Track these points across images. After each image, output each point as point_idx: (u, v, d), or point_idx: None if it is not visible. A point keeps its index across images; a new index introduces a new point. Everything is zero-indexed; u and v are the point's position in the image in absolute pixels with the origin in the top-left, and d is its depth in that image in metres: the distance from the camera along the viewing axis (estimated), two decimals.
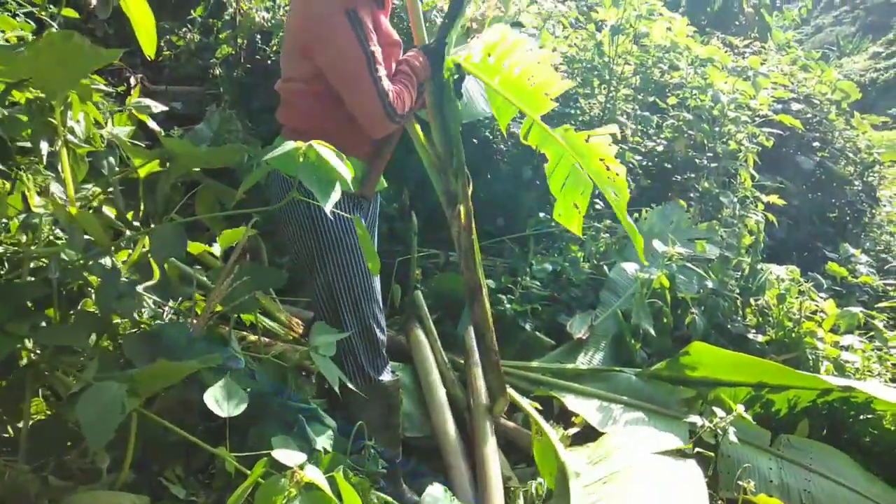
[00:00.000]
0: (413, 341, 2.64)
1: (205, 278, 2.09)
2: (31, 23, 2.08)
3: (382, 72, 1.74)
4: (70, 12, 1.64)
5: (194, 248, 2.01)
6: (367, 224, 2.02)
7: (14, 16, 2.31)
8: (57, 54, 1.24)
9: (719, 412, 2.08)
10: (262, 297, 2.35)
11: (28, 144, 1.47)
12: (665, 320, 2.75)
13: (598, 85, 3.80)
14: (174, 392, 1.57)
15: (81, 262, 1.42)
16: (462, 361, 2.55)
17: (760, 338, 2.96)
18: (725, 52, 4.28)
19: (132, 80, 3.74)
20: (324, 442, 1.48)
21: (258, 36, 3.63)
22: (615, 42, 3.64)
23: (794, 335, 2.92)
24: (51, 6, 2.00)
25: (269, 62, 3.59)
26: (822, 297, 3.23)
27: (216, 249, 2.14)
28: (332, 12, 1.67)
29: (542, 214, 3.32)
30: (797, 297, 3.06)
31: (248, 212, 1.48)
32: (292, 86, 1.83)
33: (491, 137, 3.49)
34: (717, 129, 3.78)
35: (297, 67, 1.79)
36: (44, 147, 1.41)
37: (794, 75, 5.24)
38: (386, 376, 1.98)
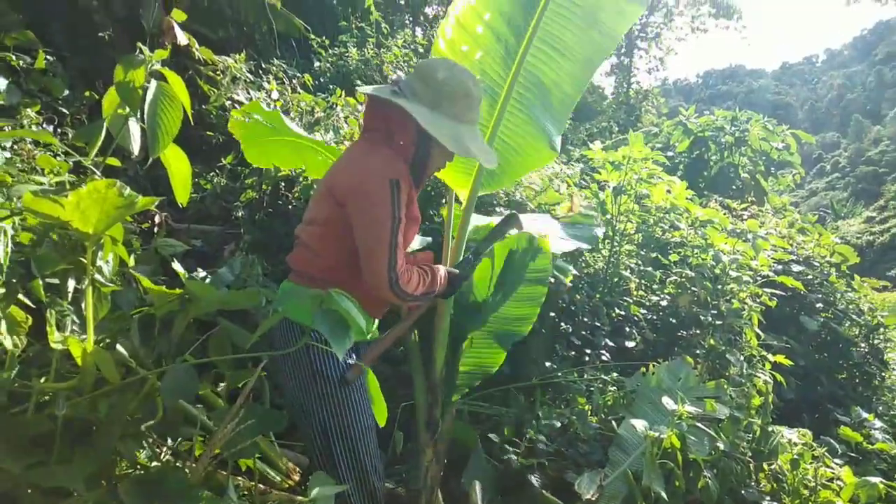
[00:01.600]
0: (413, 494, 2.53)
1: (206, 419, 2.06)
2: (69, 162, 2.24)
3: (400, 245, 1.82)
4: (113, 161, 1.77)
5: (201, 388, 2.00)
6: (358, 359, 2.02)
7: (55, 155, 2.49)
8: (98, 199, 1.33)
9: None
10: (262, 441, 2.30)
11: (55, 280, 1.53)
12: (677, 483, 2.64)
13: (602, 240, 3.95)
14: None
15: (89, 398, 1.41)
16: None
17: None
18: (724, 213, 4.48)
19: (157, 219, 3.92)
20: None
21: (282, 183, 3.84)
22: (617, 201, 3.83)
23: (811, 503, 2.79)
24: (93, 157, 2.17)
25: (289, 208, 3.77)
26: (837, 464, 3.12)
27: (220, 388, 2.14)
28: (382, 175, 1.79)
29: (547, 364, 3.31)
30: (811, 463, 2.96)
31: (259, 355, 1.50)
32: (313, 229, 1.91)
33: None
34: (719, 286, 3.86)
35: (325, 210, 1.87)
36: (70, 285, 1.46)
37: (792, 238, 5.43)
38: None
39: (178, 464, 1.69)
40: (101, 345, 1.46)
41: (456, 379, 2.54)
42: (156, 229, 3.82)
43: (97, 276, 1.44)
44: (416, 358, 2.41)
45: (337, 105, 4.09)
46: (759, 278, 4.10)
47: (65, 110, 3.95)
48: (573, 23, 2.33)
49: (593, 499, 2.63)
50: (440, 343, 2.38)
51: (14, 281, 1.42)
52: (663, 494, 2.53)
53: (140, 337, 1.64)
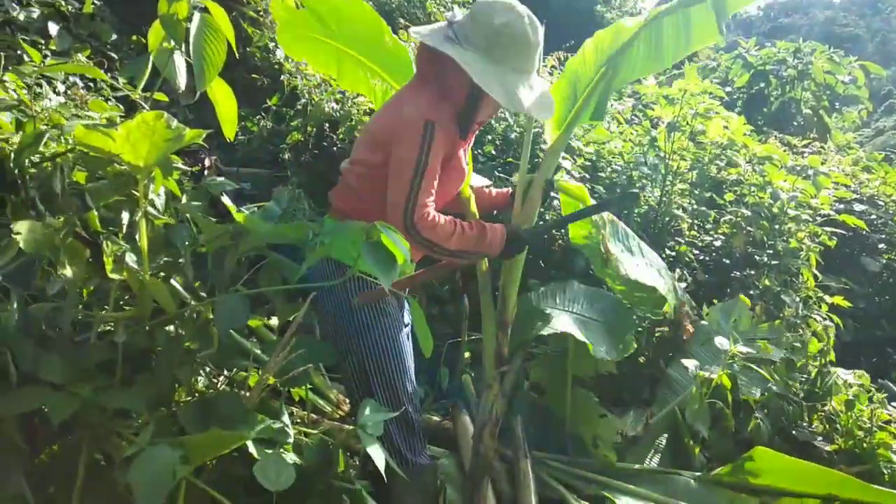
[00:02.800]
0: (459, 428, 2.58)
1: (259, 352, 2.13)
2: (121, 106, 2.28)
3: (426, 188, 1.77)
4: (161, 96, 1.79)
5: (252, 321, 2.06)
6: (397, 309, 2.04)
7: (107, 100, 2.53)
8: (147, 132, 1.35)
9: None
10: (313, 373, 2.37)
11: (109, 214, 1.58)
12: (726, 423, 2.62)
13: (654, 180, 3.83)
14: (220, 464, 1.57)
15: (148, 327, 1.47)
16: (510, 453, 2.46)
17: (828, 446, 2.78)
18: (784, 151, 4.27)
19: (206, 161, 3.98)
20: None
21: (326, 125, 3.84)
22: (671, 138, 3.69)
23: (865, 446, 2.73)
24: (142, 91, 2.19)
25: (334, 149, 3.77)
26: (894, 407, 3.03)
27: (273, 322, 2.20)
28: (415, 117, 1.76)
29: None
30: (868, 405, 2.89)
31: (308, 287, 1.52)
32: (357, 169, 1.91)
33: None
34: (776, 226, 3.72)
35: (368, 153, 1.87)
36: (124, 217, 1.50)
37: (856, 176, 5.16)
38: (423, 459, 1.94)
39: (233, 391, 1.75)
40: (156, 276, 1.50)
41: (532, 322, 2.53)
42: (206, 172, 3.89)
43: (150, 209, 1.47)
44: (487, 293, 2.39)
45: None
46: (818, 217, 3.93)
47: (113, 55, 4.01)
48: None
49: (639, 435, 2.64)
50: (514, 282, 2.36)
51: (71, 213, 1.46)
52: (705, 433, 2.52)
53: (193, 271, 1.68)
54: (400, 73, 2.42)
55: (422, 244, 1.80)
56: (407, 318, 2.15)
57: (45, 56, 1.92)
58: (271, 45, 4.70)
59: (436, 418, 2.71)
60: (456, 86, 1.86)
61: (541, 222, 2.37)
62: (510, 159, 3.47)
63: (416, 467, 1.90)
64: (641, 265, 2.52)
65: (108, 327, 1.60)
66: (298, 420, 2.00)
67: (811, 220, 3.80)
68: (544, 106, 1.88)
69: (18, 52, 2.63)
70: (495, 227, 1.96)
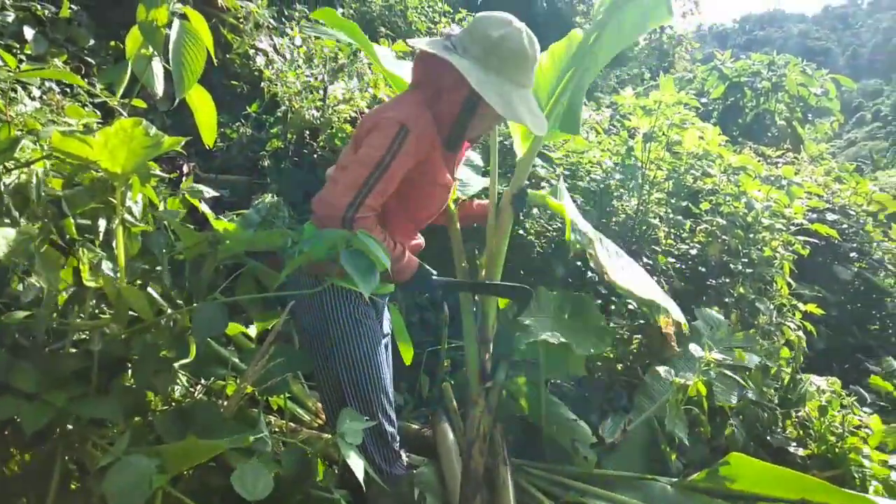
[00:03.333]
0: (439, 436, 2.58)
1: (236, 360, 2.12)
2: (97, 112, 2.26)
3: (379, 191, 1.73)
4: (139, 102, 1.78)
5: (231, 328, 2.04)
6: (373, 320, 2.03)
7: (83, 106, 2.51)
8: (125, 139, 1.34)
9: None
10: (292, 382, 2.36)
11: (86, 221, 1.56)
12: (702, 429, 2.65)
13: (630, 189, 3.88)
14: (197, 474, 1.56)
15: (124, 336, 1.46)
16: (490, 459, 2.47)
17: (802, 451, 2.83)
18: (758, 161, 4.35)
19: (185, 168, 3.95)
20: None
21: (307, 132, 3.83)
22: (647, 148, 3.74)
23: (837, 451, 2.79)
24: (120, 98, 2.18)
25: (315, 156, 3.77)
26: (865, 412, 3.10)
27: (251, 331, 2.18)
28: (392, 119, 1.74)
29: None
30: (840, 411, 2.95)
31: (286, 294, 1.52)
32: (335, 173, 1.91)
33: (523, 233, 3.55)
34: (751, 235, 3.79)
35: (345, 154, 1.88)
36: (101, 224, 1.49)
37: (828, 186, 5.28)
38: (398, 469, 1.94)
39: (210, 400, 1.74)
40: (133, 284, 1.49)
41: (511, 336, 2.55)
42: (184, 178, 3.86)
43: (127, 217, 1.46)
44: (468, 311, 2.40)
45: (360, 52, 4.02)
46: (792, 226, 4.01)
47: (91, 60, 3.97)
48: None
49: (616, 442, 2.66)
50: (493, 299, 2.39)
51: (46, 220, 1.44)
52: (684, 439, 2.55)
53: (170, 279, 1.67)
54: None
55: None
56: (386, 328, 2.15)
57: (21, 61, 1.90)
58: (251, 51, 4.69)
59: (415, 426, 2.71)
60: (450, 96, 1.86)
61: (453, 278, 2.34)
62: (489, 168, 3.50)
63: (392, 477, 1.90)
64: (636, 278, 2.52)
65: (84, 335, 1.58)
66: (276, 429, 1.99)
67: (785, 229, 3.88)
68: (541, 119, 1.87)
69: None
70: (413, 259, 1.93)
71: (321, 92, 4.02)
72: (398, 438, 2.02)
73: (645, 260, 3.63)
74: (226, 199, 3.94)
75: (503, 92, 1.79)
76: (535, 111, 1.86)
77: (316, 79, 4.08)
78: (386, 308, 2.13)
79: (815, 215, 4.63)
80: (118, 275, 1.44)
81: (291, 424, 2.22)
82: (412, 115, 1.79)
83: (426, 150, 1.82)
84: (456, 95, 1.87)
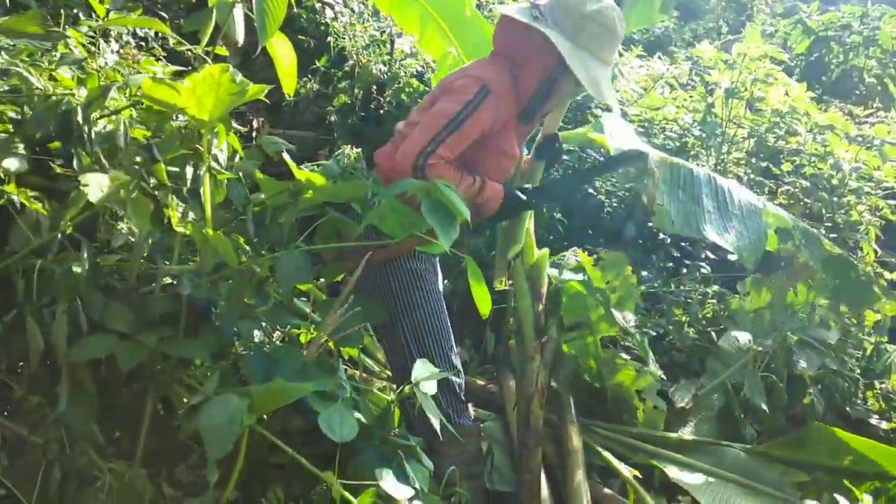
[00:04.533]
0: (506, 393, 2.59)
1: (308, 311, 2.16)
2: (169, 65, 2.29)
3: (450, 145, 1.72)
4: (221, 50, 1.78)
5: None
6: (433, 275, 2.04)
7: (157, 59, 2.55)
8: (213, 86, 1.35)
9: (842, 500, 1.90)
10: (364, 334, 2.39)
11: (174, 168, 1.59)
12: (778, 397, 2.56)
13: (709, 147, 3.71)
14: (278, 417, 1.61)
15: (210, 281, 1.49)
16: (555, 417, 2.46)
17: (885, 424, 2.70)
18: (846, 120, 4.09)
19: (254, 122, 4.01)
20: (422, 482, 1.45)
21: (374, 87, 3.81)
22: (728, 105, 3.56)
23: None
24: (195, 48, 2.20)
25: (381, 112, 3.75)
26: None
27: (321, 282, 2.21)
28: (474, 77, 1.75)
29: (643, 273, 3.22)
30: None
31: (366, 244, 1.52)
32: (405, 129, 1.89)
33: (593, 192, 3.46)
34: (835, 199, 3.58)
35: (421, 112, 1.85)
36: (188, 171, 1.51)
37: None
38: (466, 420, 1.96)
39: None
40: (218, 231, 1.51)
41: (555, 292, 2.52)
42: (254, 133, 3.91)
43: (213, 164, 1.48)
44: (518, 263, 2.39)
45: None
46: (879, 190, 3.77)
47: (164, 14, 4.03)
48: None
49: (687, 407, 2.61)
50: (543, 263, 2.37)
51: (137, 167, 1.48)
52: (764, 406, 2.47)
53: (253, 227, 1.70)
54: (471, 45, 2.40)
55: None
56: (440, 284, 2.15)
57: (107, 13, 1.94)
58: (318, 5, 4.66)
59: (481, 382, 2.72)
60: (533, 67, 1.83)
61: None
62: None
63: (459, 428, 1.91)
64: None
65: (172, 280, 1.63)
66: (351, 378, 2.02)
67: (873, 192, 3.65)
68: (616, 99, 1.87)
69: (74, 10, 2.66)
70: (495, 185, 1.89)
71: (388, 46, 3.98)
72: (464, 390, 2.03)
73: None
74: (293, 155, 4.00)
75: (589, 68, 1.76)
76: (613, 91, 1.86)
77: (383, 32, 4.04)
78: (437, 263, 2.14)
79: None
80: (205, 221, 1.46)
81: (364, 375, 2.26)
82: (496, 77, 1.78)
83: (503, 116, 1.80)
84: (538, 67, 1.84)
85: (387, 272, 1.88)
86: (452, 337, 2.03)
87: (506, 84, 1.80)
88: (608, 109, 3.47)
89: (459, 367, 2.01)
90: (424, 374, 1.52)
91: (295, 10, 4.72)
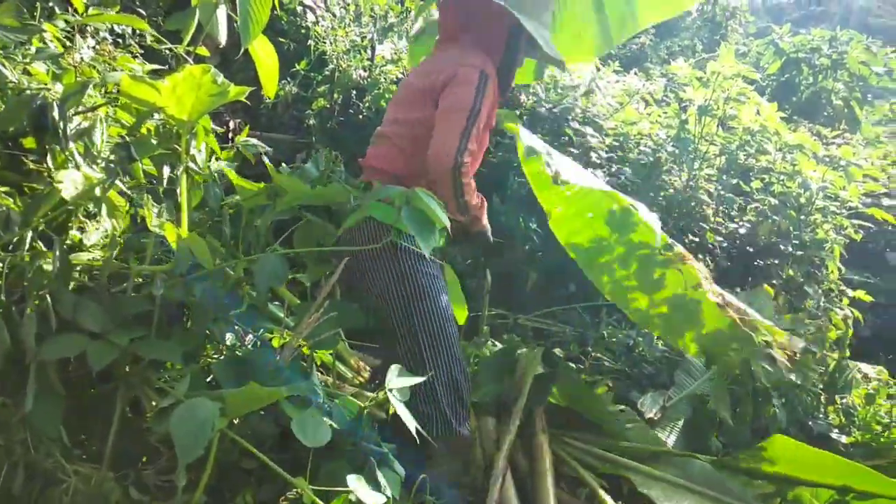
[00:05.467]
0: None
1: (281, 315, 2.14)
2: (146, 63, 2.27)
3: (474, 136, 1.80)
4: (203, 51, 1.77)
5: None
6: (443, 282, 2.04)
7: (134, 57, 2.52)
8: (193, 86, 1.34)
9: None
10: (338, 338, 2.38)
11: (149, 168, 1.58)
12: (744, 410, 2.62)
13: (680, 163, 3.78)
14: (248, 421, 1.59)
15: (184, 282, 1.48)
16: (528, 428, 2.48)
17: (845, 439, 2.77)
18: (814, 140, 4.20)
19: (231, 125, 3.97)
20: (393, 489, 1.45)
21: (353, 92, 3.81)
22: (701, 122, 3.63)
23: (882, 440, 2.73)
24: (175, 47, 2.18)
25: (360, 117, 3.75)
26: None
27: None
28: (473, 65, 1.81)
29: None
30: (887, 400, 2.88)
31: (344, 249, 1.52)
32: (404, 129, 1.91)
33: None
34: (803, 216, 3.68)
35: (418, 111, 1.87)
36: (165, 171, 1.50)
37: (884, 170, 5.08)
38: (465, 430, 1.95)
39: None
40: (195, 231, 1.50)
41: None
42: (230, 135, 3.88)
43: (191, 164, 1.47)
44: None
45: (412, 10, 3.96)
46: (845, 210, 3.88)
47: (142, 11, 3.99)
48: None
49: (655, 418, 2.65)
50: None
51: (113, 166, 1.46)
52: (729, 419, 2.52)
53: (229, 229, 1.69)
54: None
55: (456, 189, 1.80)
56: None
57: (87, 7, 1.91)
58: (299, 8, 4.65)
59: None
60: (497, 35, 1.92)
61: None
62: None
63: (459, 437, 1.90)
64: (587, 179, 2.46)
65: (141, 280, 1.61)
66: (323, 384, 2.01)
67: (839, 211, 3.76)
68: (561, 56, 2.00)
69: (50, 3, 2.62)
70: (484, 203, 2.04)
71: (368, 51, 3.98)
72: (469, 398, 2.04)
73: (691, 237, 3.56)
74: (270, 158, 3.97)
75: (539, 32, 1.89)
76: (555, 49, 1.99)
77: (364, 38, 4.04)
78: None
79: (869, 199, 4.47)
80: (180, 222, 1.45)
81: (336, 381, 2.24)
82: (486, 61, 1.86)
83: (496, 94, 1.89)
84: (500, 34, 1.93)
85: (403, 275, 1.86)
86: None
87: (491, 65, 1.88)
88: (585, 123, 3.53)
89: (468, 374, 2.02)
90: (399, 380, 1.53)
91: (277, 12, 4.71)
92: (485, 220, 2.03)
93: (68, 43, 1.97)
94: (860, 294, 3.67)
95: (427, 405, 1.83)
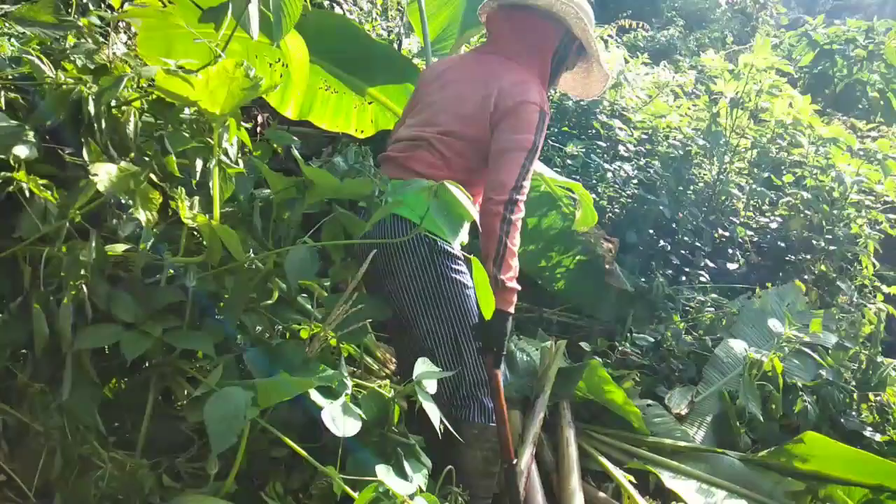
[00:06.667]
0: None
1: (310, 307, 2.16)
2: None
3: (530, 174, 1.80)
4: (234, 45, 1.79)
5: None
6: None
7: None
8: (226, 80, 1.36)
9: None
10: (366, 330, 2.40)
11: (183, 161, 1.60)
12: (773, 406, 2.58)
13: (711, 157, 3.73)
14: (278, 411, 1.61)
15: (216, 274, 1.50)
16: (554, 422, 2.47)
17: (878, 437, 2.72)
18: (849, 133, 4.11)
19: (259, 119, 4.01)
20: (420, 480, 1.46)
21: None
22: (732, 115, 3.58)
23: None
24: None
25: None
26: None
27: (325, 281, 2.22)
28: (535, 103, 1.79)
29: (642, 280, 3.23)
30: None
31: (371, 241, 1.53)
32: (454, 142, 1.85)
33: (596, 198, 3.47)
34: (836, 211, 3.60)
35: (466, 126, 1.84)
36: (198, 164, 1.52)
37: None
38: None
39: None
40: (226, 224, 1.52)
41: None
42: (258, 128, 3.91)
43: (223, 158, 1.49)
44: None
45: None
46: (880, 204, 3.79)
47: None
48: None
49: (683, 413, 2.62)
50: None
51: (147, 158, 1.48)
52: (759, 415, 2.49)
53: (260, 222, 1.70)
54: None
55: (506, 228, 1.75)
56: None
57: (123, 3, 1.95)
58: (327, 3, 4.67)
59: None
60: (545, 56, 1.91)
61: None
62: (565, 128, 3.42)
63: (491, 430, 1.90)
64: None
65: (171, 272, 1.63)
66: (351, 374, 2.03)
67: (873, 206, 3.68)
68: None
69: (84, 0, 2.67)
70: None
71: (395, 45, 3.98)
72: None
73: (721, 231, 3.51)
74: (299, 151, 4.00)
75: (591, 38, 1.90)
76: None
77: (391, 32, 4.04)
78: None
79: None
80: (213, 214, 1.47)
81: (363, 372, 2.26)
82: (543, 95, 1.85)
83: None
84: (549, 54, 1.92)
85: (440, 275, 1.84)
86: None
87: (545, 94, 1.87)
88: (613, 116, 3.49)
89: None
90: (425, 374, 1.53)
91: (308, 7, 4.73)
92: (513, 301, 1.84)
93: (102, 39, 2.00)
94: (895, 290, 3.59)
95: (469, 399, 1.84)
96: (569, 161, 3.11)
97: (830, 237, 3.55)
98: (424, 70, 2.19)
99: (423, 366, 1.58)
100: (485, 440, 1.85)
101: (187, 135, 1.47)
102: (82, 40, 1.93)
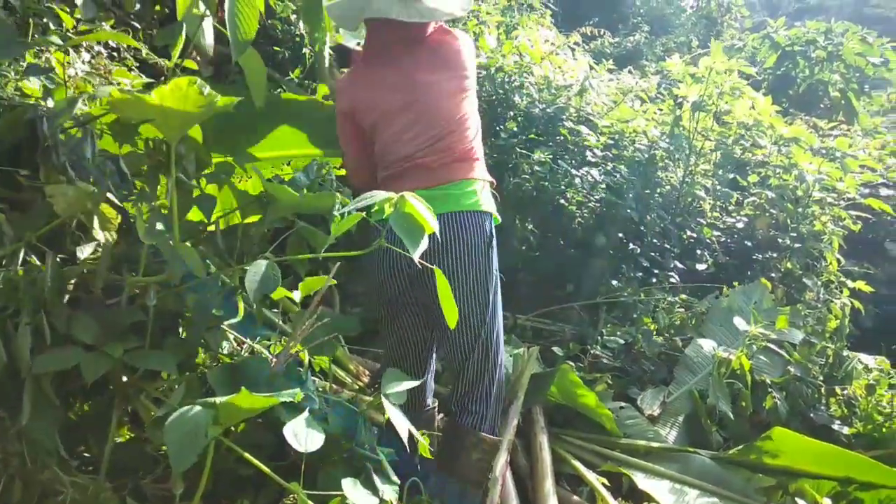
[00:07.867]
0: None
1: (279, 322, 2.15)
2: (142, 76, 2.28)
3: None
4: (190, 63, 1.79)
5: (278, 292, 2.07)
6: None
7: (130, 70, 2.54)
8: (180, 98, 1.35)
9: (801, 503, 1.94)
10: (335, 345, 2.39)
11: (141, 180, 1.59)
12: (743, 403, 2.62)
13: (676, 159, 3.79)
14: (245, 429, 1.60)
15: (177, 292, 1.49)
16: (526, 427, 2.49)
17: (846, 430, 2.77)
18: (810, 133, 4.20)
19: None
20: (389, 494, 1.46)
21: None
22: (695, 117, 3.64)
23: (884, 430, 2.72)
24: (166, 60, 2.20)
25: None
26: None
27: (296, 295, 2.21)
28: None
29: (614, 282, 3.27)
30: (888, 390, 2.87)
31: (337, 255, 1.53)
32: (453, 137, 1.91)
33: (565, 204, 3.51)
34: (800, 209, 3.68)
35: (456, 108, 1.92)
36: (156, 183, 1.51)
37: (882, 160, 5.08)
38: (497, 435, 2.00)
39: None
40: (186, 243, 1.51)
41: None
42: None
43: (181, 176, 1.48)
44: None
45: None
46: (842, 201, 3.88)
47: (136, 24, 4.01)
48: None
49: (655, 414, 2.65)
50: None
51: (104, 178, 1.47)
52: (729, 413, 2.52)
53: (221, 239, 1.69)
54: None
55: None
56: None
57: (77, 22, 1.93)
58: (293, 17, 4.66)
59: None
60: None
61: None
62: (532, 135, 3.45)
63: (495, 442, 1.93)
64: None
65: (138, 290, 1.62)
66: (320, 389, 2.02)
67: (836, 203, 3.76)
68: None
69: (44, 19, 2.65)
70: None
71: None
72: None
73: (689, 232, 3.56)
74: None
75: None
76: None
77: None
78: None
79: (867, 190, 4.47)
80: (172, 233, 1.46)
81: (334, 386, 2.26)
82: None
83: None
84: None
85: (490, 270, 1.92)
86: None
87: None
88: (579, 122, 3.53)
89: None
90: (395, 386, 1.54)
91: (270, 21, 4.71)
92: None
93: (65, 58, 1.99)
94: (860, 285, 3.67)
95: (490, 404, 1.89)
96: (536, 168, 3.14)
97: (795, 235, 3.62)
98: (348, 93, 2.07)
99: (391, 376, 1.58)
100: (486, 452, 1.88)
101: (143, 154, 1.46)
102: (41, 60, 1.92)
